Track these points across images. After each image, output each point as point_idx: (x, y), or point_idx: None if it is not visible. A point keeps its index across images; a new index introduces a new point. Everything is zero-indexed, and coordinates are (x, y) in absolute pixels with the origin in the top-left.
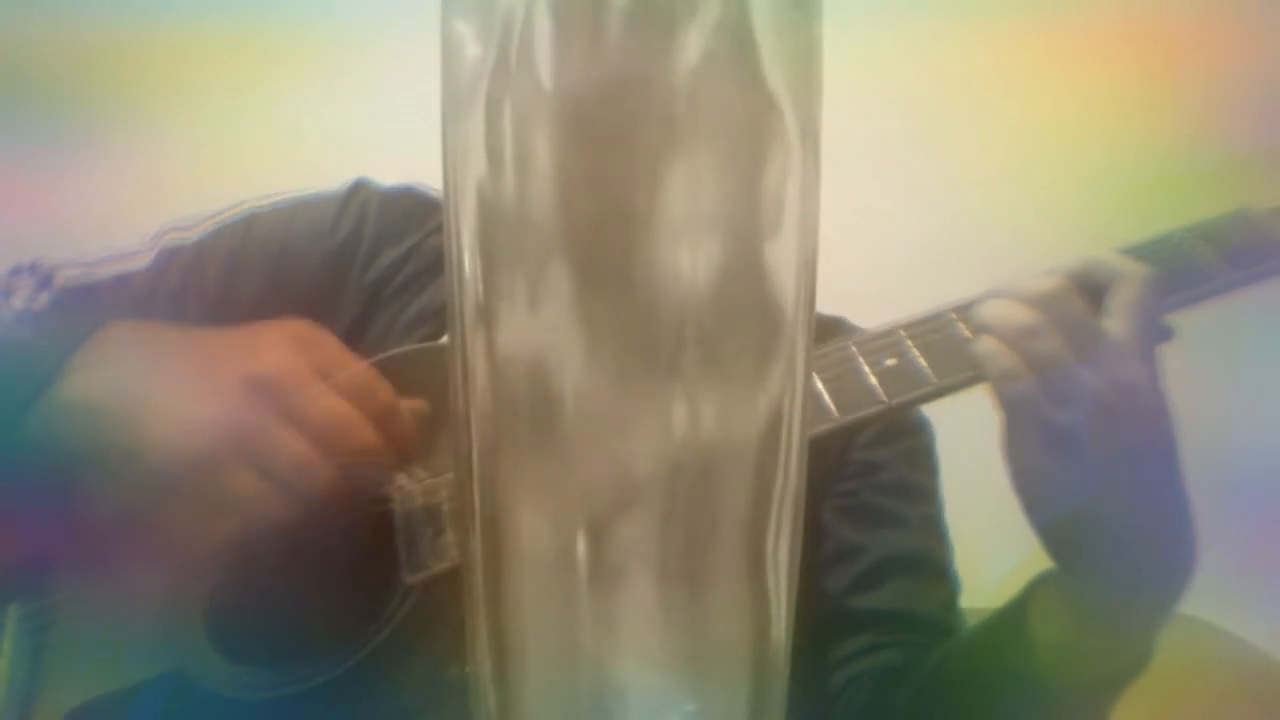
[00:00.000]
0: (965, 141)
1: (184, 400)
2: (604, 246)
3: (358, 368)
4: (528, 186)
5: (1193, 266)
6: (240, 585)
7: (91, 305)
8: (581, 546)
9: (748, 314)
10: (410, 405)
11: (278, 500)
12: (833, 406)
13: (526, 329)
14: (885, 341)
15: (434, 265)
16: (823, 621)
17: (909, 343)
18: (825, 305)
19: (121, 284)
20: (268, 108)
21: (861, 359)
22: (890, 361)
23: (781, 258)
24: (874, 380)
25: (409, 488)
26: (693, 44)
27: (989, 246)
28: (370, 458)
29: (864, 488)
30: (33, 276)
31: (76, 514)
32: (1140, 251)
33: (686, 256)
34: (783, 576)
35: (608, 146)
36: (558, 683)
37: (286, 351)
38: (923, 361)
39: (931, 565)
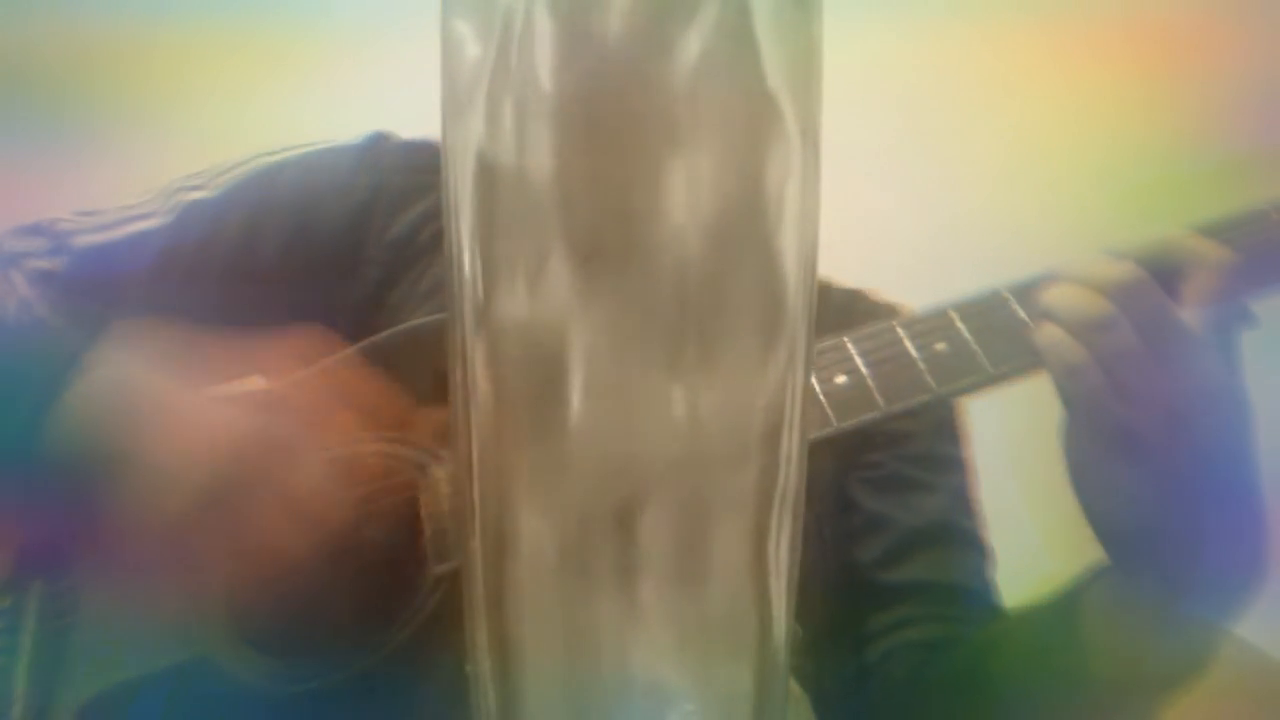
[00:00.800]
0: (965, 141)
1: (195, 417)
2: (604, 246)
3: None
4: (527, 186)
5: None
6: (267, 578)
7: (109, 266)
8: (581, 545)
9: (748, 313)
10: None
11: (291, 525)
12: (877, 394)
13: (527, 328)
14: (935, 324)
15: None
16: (856, 596)
17: (960, 326)
18: None
19: (140, 243)
20: (268, 108)
21: (909, 342)
22: (940, 346)
23: (781, 258)
24: (922, 366)
25: (437, 476)
26: (693, 44)
27: (989, 246)
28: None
29: (891, 459)
30: (47, 239)
31: (96, 506)
32: (1220, 231)
33: (686, 256)
34: (783, 576)
35: (608, 146)
36: (558, 682)
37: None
38: (976, 347)
39: (961, 536)
